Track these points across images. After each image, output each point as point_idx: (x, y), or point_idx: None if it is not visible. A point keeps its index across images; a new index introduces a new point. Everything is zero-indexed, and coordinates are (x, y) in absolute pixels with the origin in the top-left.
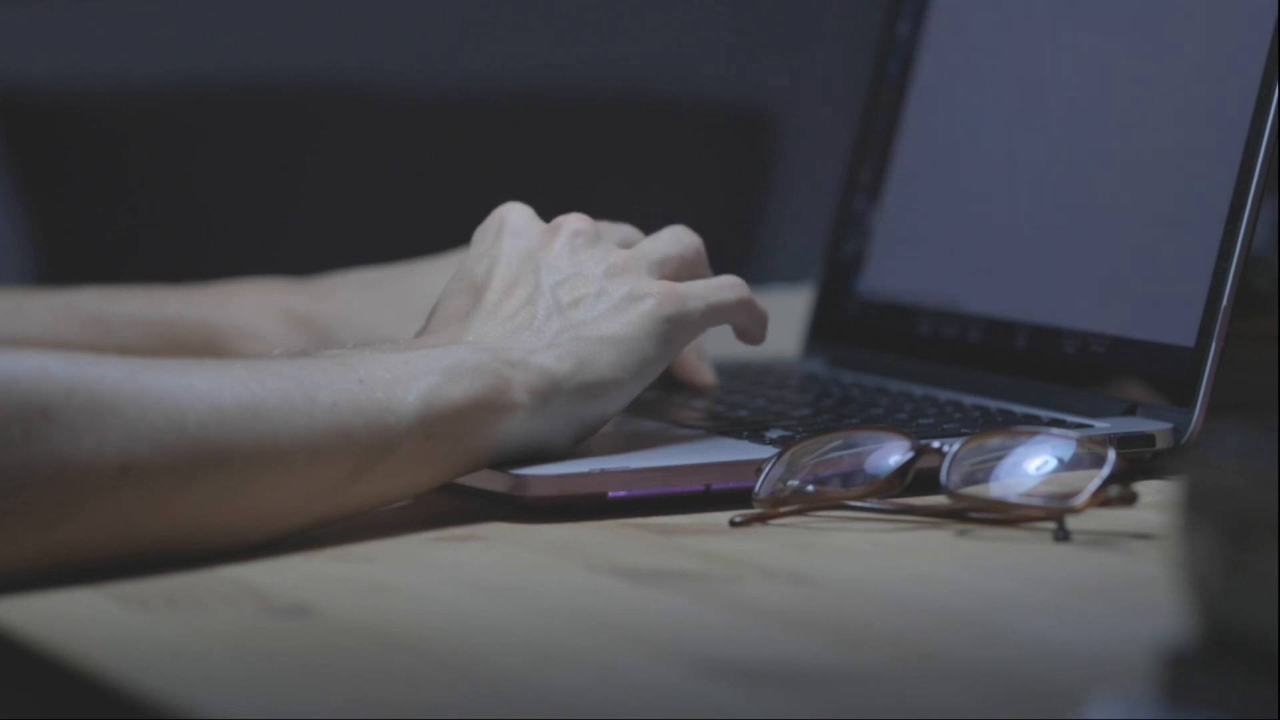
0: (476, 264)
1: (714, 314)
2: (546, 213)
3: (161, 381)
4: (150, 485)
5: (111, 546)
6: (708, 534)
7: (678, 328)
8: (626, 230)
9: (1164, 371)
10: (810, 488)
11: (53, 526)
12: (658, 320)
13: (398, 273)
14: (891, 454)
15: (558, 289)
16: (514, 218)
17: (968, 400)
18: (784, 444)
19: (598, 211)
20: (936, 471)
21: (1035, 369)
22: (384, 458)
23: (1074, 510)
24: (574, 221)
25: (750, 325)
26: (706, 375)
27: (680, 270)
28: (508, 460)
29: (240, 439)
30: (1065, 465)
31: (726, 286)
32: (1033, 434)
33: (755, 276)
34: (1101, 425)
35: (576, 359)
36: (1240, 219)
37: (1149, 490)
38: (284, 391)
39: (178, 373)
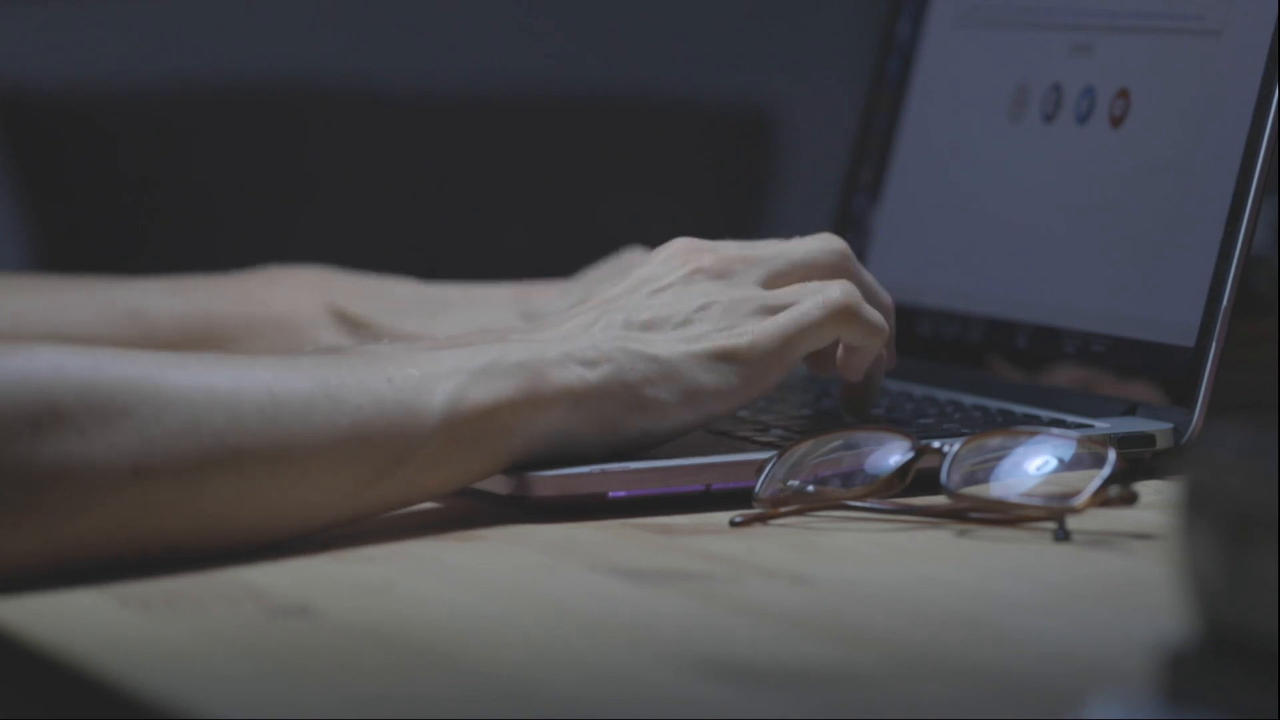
0: (600, 282)
1: (793, 342)
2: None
3: (180, 381)
4: (161, 486)
5: (120, 546)
6: (708, 534)
7: (741, 362)
8: (779, 266)
9: (1164, 371)
10: (810, 488)
11: (59, 524)
12: (712, 355)
13: (459, 294)
14: (891, 454)
15: (638, 310)
16: (668, 247)
17: (968, 400)
18: (784, 444)
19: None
20: (936, 471)
21: (1035, 369)
22: (406, 461)
23: (1074, 510)
24: (705, 257)
25: (857, 337)
26: (851, 373)
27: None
28: (538, 460)
29: (255, 443)
30: (1065, 465)
31: (810, 308)
32: (1033, 434)
33: None
34: (1101, 425)
35: (616, 367)
36: (1240, 219)
37: (1149, 490)
38: (306, 394)
39: (198, 372)
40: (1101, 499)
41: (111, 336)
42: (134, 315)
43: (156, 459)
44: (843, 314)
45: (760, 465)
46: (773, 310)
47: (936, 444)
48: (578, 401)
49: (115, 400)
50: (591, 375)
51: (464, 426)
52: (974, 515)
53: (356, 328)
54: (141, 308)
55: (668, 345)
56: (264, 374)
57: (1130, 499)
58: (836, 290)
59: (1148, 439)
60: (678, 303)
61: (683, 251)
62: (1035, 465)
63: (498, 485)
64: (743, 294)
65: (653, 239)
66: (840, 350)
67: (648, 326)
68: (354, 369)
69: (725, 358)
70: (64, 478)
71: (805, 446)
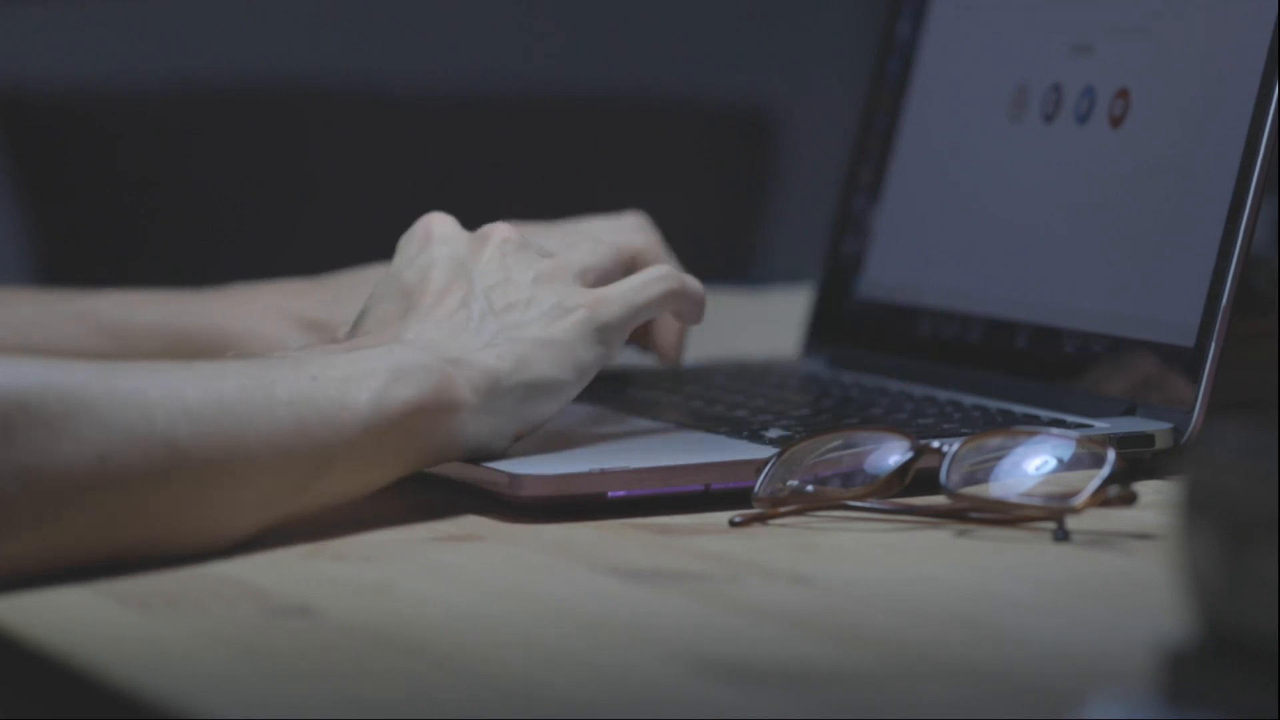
0: (405, 270)
1: (640, 313)
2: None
3: (128, 381)
4: (126, 484)
5: (90, 550)
6: (708, 534)
7: (608, 332)
8: (555, 238)
9: (1163, 371)
10: (810, 488)
11: (33, 529)
12: (589, 328)
13: None
14: (891, 454)
15: (490, 293)
16: (440, 226)
17: (968, 400)
18: (784, 444)
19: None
20: (936, 471)
21: (1035, 369)
22: (342, 455)
23: (1074, 510)
24: (501, 230)
25: (685, 310)
26: (674, 352)
27: (601, 279)
28: (454, 459)
29: (208, 436)
30: (1065, 465)
31: (650, 282)
32: (1033, 434)
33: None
34: (1101, 425)
35: (515, 358)
36: (1240, 218)
37: (1149, 490)
38: (244, 388)
39: (143, 372)
40: (1101, 499)
41: (90, 349)
42: (115, 332)
43: (120, 454)
44: (678, 292)
45: (760, 465)
46: (584, 271)
47: (936, 444)
48: (487, 398)
49: (75, 398)
50: (502, 367)
51: (391, 422)
52: (974, 515)
53: (329, 332)
54: (123, 323)
55: (544, 326)
56: (202, 371)
57: (1130, 499)
58: (670, 268)
59: (1147, 439)
60: (512, 280)
61: (454, 229)
62: (1035, 465)
63: (497, 484)
64: (553, 262)
65: None
66: (662, 330)
67: (508, 310)
68: (279, 367)
69: (591, 328)
70: (38, 478)
71: (805, 446)
